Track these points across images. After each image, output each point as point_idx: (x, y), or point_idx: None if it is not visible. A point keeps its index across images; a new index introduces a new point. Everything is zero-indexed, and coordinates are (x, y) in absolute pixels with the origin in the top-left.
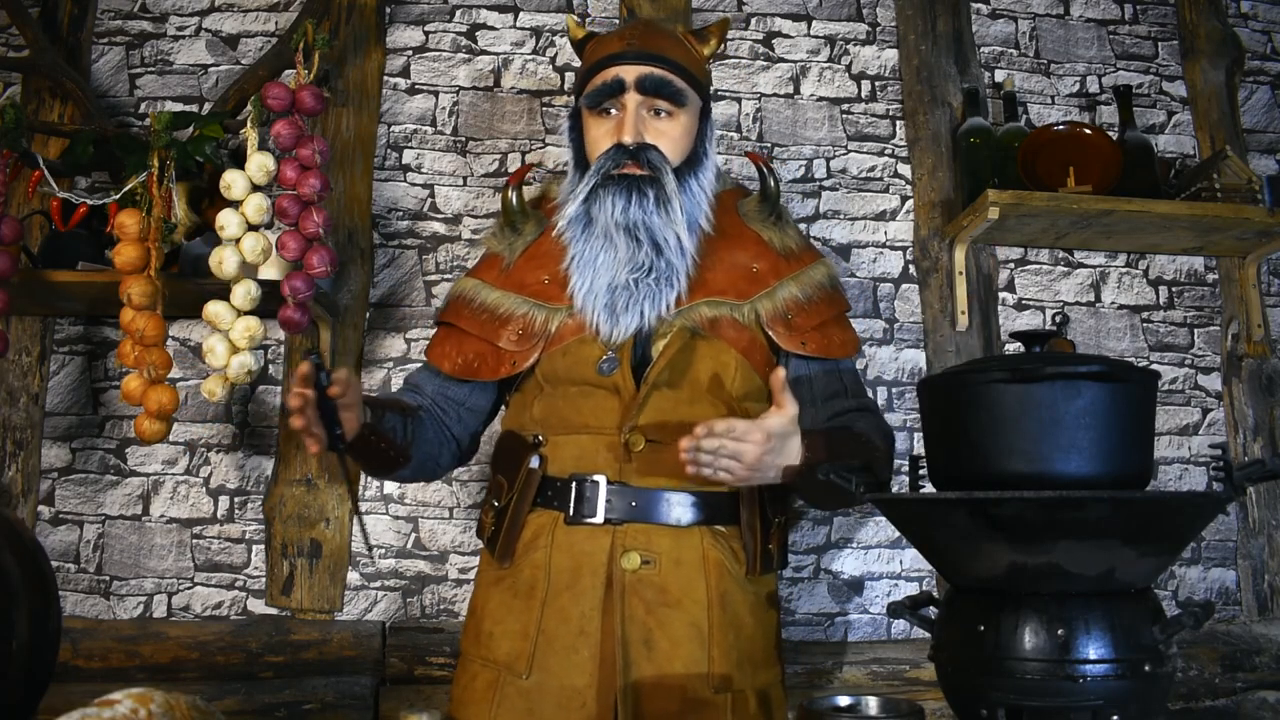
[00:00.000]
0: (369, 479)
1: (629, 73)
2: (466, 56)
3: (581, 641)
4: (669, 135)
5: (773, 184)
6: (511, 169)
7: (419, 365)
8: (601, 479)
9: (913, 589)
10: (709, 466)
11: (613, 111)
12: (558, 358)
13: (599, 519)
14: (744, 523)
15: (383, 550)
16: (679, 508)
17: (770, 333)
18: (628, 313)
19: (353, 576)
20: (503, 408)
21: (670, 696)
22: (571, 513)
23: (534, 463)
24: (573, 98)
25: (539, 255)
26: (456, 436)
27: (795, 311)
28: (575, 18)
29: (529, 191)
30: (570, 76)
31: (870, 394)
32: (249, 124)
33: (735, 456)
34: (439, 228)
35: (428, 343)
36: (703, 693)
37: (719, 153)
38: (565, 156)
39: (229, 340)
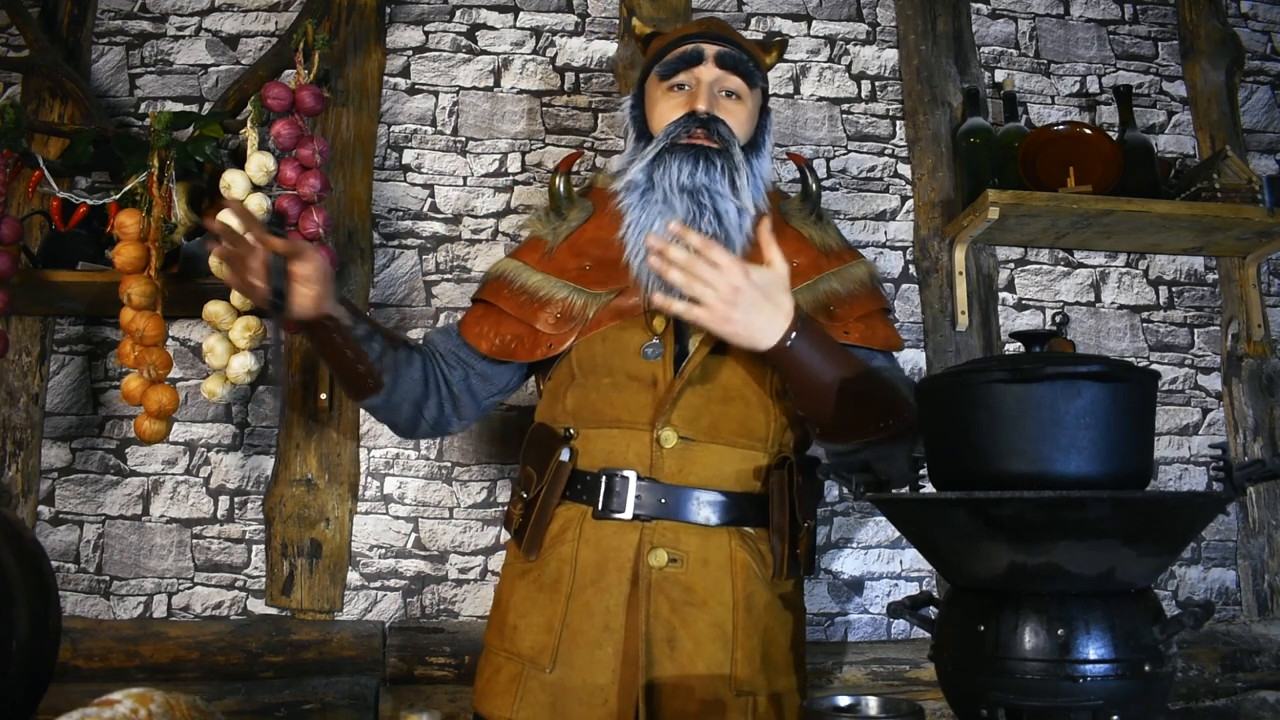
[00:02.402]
0: (369, 479)
1: (709, 48)
2: (466, 56)
3: (606, 637)
4: (736, 116)
5: (814, 185)
6: (511, 169)
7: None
8: (632, 474)
9: (913, 589)
10: (683, 286)
11: (685, 86)
12: (595, 343)
13: (628, 514)
14: (773, 525)
15: (383, 550)
16: (709, 507)
17: None
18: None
19: (353, 576)
20: (529, 392)
21: (691, 697)
22: (600, 507)
23: (564, 455)
24: (635, 84)
25: (582, 242)
26: (455, 393)
27: (837, 304)
28: (639, 19)
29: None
30: (570, 76)
31: None
32: (249, 124)
33: (709, 282)
34: (439, 228)
35: (462, 316)
36: (724, 695)
37: None
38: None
39: (229, 340)
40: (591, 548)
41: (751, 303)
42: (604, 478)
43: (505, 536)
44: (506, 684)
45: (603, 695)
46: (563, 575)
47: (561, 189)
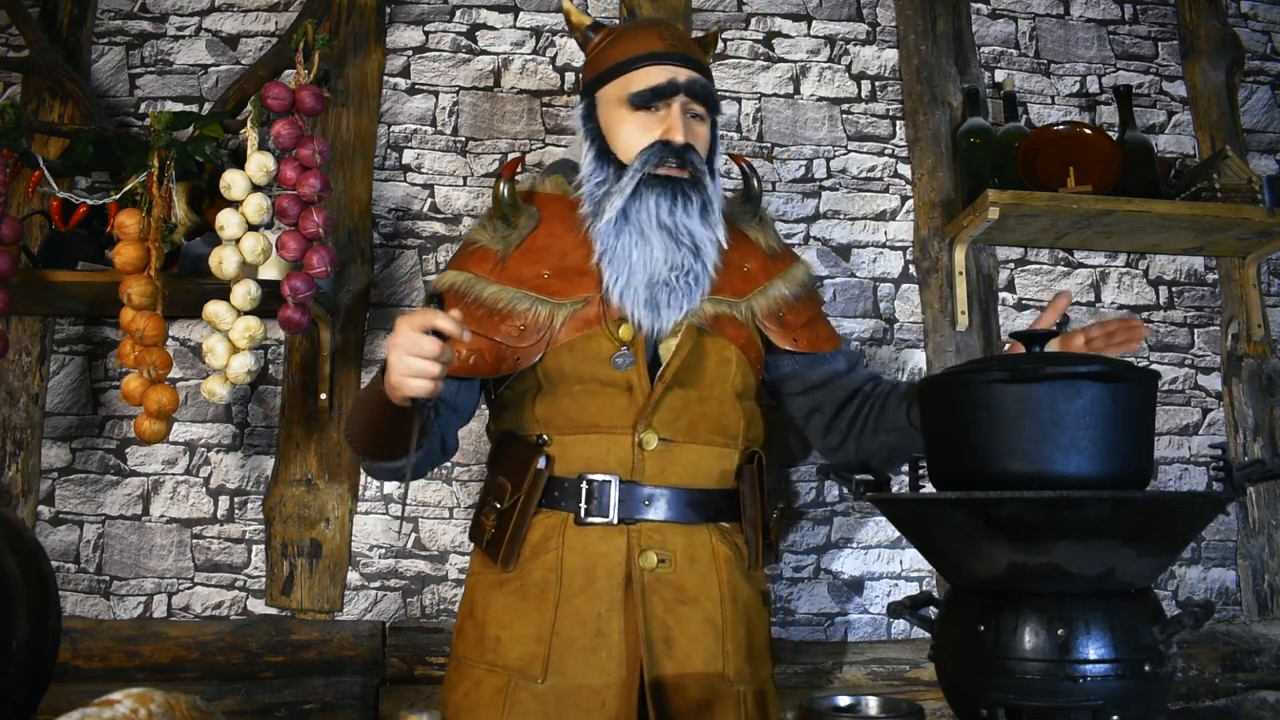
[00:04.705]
0: (369, 479)
1: (681, 74)
2: (466, 56)
3: (599, 642)
4: (702, 139)
5: (756, 186)
6: None
7: None
8: (613, 479)
9: (913, 589)
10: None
11: (656, 110)
12: (564, 354)
13: (612, 518)
14: (746, 518)
15: (383, 550)
16: (690, 505)
17: (764, 330)
18: (670, 308)
19: (353, 576)
20: (483, 408)
21: (690, 693)
22: (582, 513)
23: (541, 463)
24: (584, 86)
25: (535, 249)
26: (444, 435)
27: (786, 309)
28: (574, 3)
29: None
30: (570, 76)
31: None
32: (249, 124)
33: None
34: (439, 228)
35: None
36: (720, 687)
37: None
38: (567, 156)
39: (229, 340)
40: (577, 554)
41: None
42: (583, 483)
43: None
44: (491, 696)
45: (599, 699)
46: (549, 583)
47: (507, 195)
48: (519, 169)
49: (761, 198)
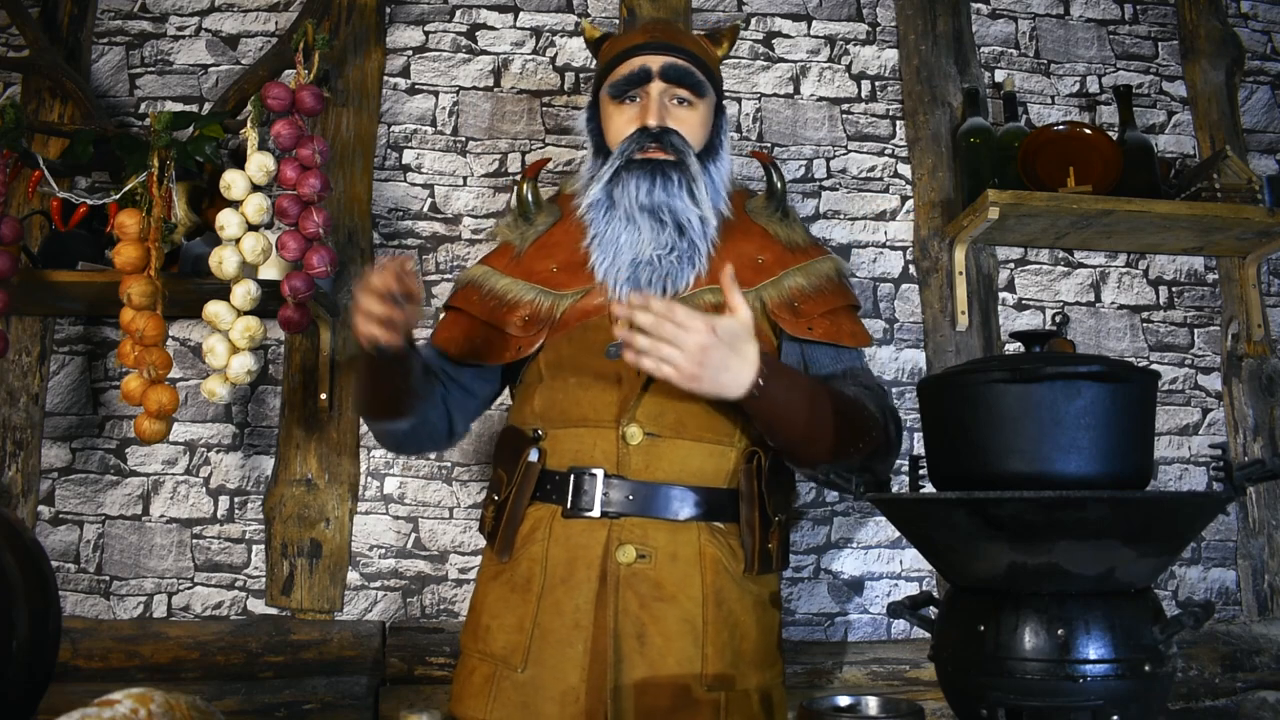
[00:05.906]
0: (369, 479)
1: (654, 61)
2: (466, 56)
3: (576, 635)
4: (689, 123)
5: (779, 182)
6: (512, 169)
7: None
8: (599, 472)
9: (913, 589)
10: (648, 354)
11: (636, 99)
12: (562, 344)
13: (596, 512)
14: (743, 520)
15: (383, 550)
16: (677, 502)
17: (776, 320)
18: (650, 287)
19: (353, 576)
20: (506, 399)
21: (661, 693)
22: (569, 506)
23: (533, 456)
24: (590, 93)
25: (549, 245)
26: (451, 415)
27: (801, 300)
28: (589, 20)
29: (545, 191)
30: (570, 76)
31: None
32: (249, 124)
33: (675, 343)
34: (439, 228)
35: (433, 328)
36: (695, 690)
37: None
38: (567, 156)
39: (229, 340)
40: (561, 546)
41: (719, 359)
42: (572, 476)
43: None
44: (480, 685)
45: (574, 694)
46: (533, 575)
47: (529, 195)
48: (541, 170)
49: (786, 195)
